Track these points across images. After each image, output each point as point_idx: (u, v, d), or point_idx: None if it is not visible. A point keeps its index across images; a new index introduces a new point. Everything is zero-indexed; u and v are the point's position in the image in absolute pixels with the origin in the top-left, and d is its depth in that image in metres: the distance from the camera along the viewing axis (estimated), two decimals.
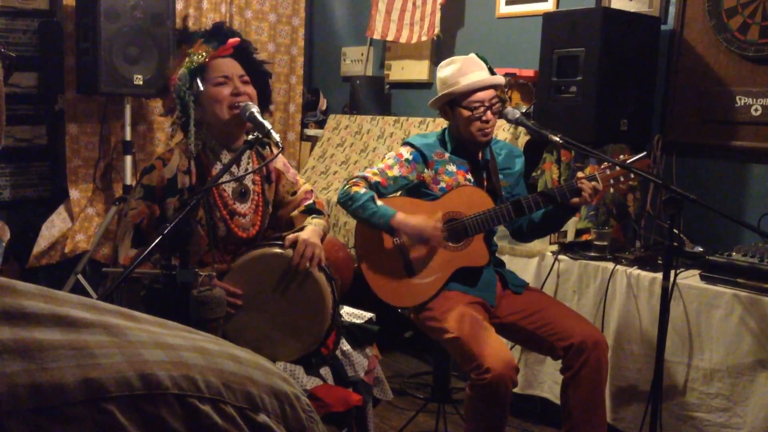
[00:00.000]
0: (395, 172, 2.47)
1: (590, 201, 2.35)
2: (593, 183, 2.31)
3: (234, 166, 2.11)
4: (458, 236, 2.43)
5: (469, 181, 2.50)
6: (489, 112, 2.42)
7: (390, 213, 2.35)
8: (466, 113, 2.41)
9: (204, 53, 2.06)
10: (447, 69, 2.48)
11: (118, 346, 0.49)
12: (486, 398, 2.16)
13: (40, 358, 0.46)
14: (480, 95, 2.41)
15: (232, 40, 2.10)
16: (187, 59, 2.08)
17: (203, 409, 0.50)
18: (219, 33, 2.13)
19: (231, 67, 2.08)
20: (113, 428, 0.46)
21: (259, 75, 2.18)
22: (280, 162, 2.27)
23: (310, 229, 2.11)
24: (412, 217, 2.35)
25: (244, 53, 2.15)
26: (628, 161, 2.29)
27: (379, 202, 2.38)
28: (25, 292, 0.49)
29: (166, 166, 2.06)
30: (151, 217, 2.04)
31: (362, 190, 2.39)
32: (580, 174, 2.35)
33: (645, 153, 2.37)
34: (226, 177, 2.06)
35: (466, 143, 2.51)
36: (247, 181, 2.16)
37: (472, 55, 2.50)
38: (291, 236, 2.07)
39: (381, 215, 2.35)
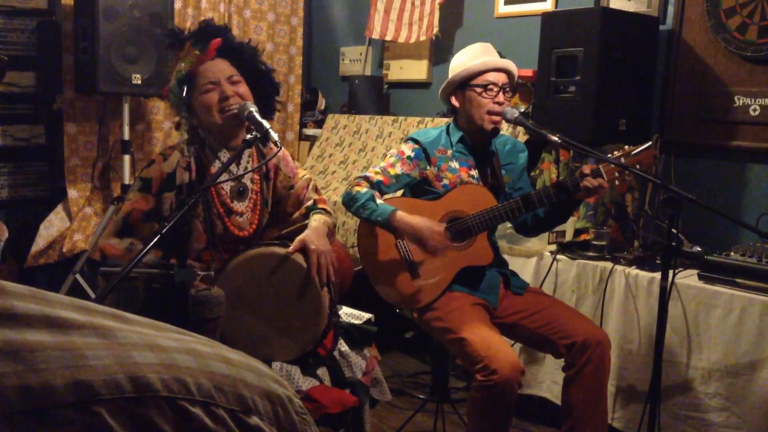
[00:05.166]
0: (397, 170, 2.47)
1: (595, 194, 2.31)
2: (599, 180, 2.27)
3: (233, 164, 2.11)
4: (462, 235, 2.42)
5: (473, 177, 2.49)
6: (501, 95, 2.42)
7: (389, 210, 2.34)
8: (479, 90, 2.41)
9: (192, 60, 2.04)
10: (460, 56, 2.49)
11: (108, 348, 0.49)
12: (491, 400, 2.16)
13: (29, 359, 0.45)
14: (493, 76, 2.42)
15: (213, 42, 2.06)
16: (176, 68, 2.07)
17: (194, 412, 0.50)
18: (206, 33, 2.09)
19: (218, 70, 2.06)
20: (102, 431, 0.46)
21: (251, 71, 2.13)
22: (277, 157, 2.25)
23: (315, 229, 2.06)
24: (413, 216, 2.34)
25: (230, 51, 2.10)
26: (633, 152, 2.27)
27: (379, 201, 2.38)
28: (15, 293, 0.48)
29: (166, 161, 2.07)
30: (143, 208, 2.04)
31: (363, 190, 2.39)
32: (585, 168, 2.30)
33: (650, 143, 2.31)
34: (224, 176, 2.06)
35: (472, 135, 2.50)
36: (246, 180, 2.15)
37: (486, 43, 2.52)
38: (297, 241, 2.02)
39: (380, 213, 2.34)
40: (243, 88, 2.07)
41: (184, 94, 2.04)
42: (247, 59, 2.14)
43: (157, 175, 2.05)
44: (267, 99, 2.17)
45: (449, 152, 2.49)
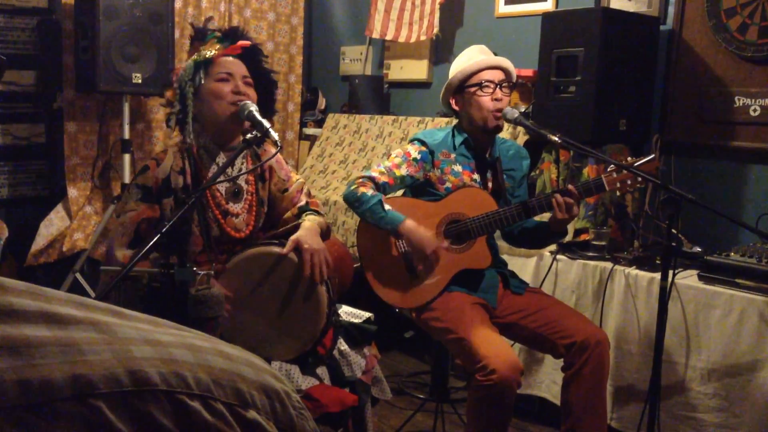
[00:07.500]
0: (403, 171, 2.47)
1: (564, 215, 2.29)
2: (565, 199, 2.27)
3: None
4: (461, 238, 2.42)
5: (475, 181, 2.50)
6: (499, 91, 2.43)
7: (398, 220, 2.35)
8: (473, 90, 2.42)
9: (213, 50, 2.09)
10: (457, 60, 2.52)
11: (106, 343, 0.49)
12: (490, 399, 2.16)
13: (28, 354, 0.45)
14: (489, 74, 2.43)
15: (241, 42, 2.12)
16: (196, 53, 2.11)
17: (192, 406, 0.50)
18: (233, 35, 2.15)
19: (236, 66, 2.10)
20: (102, 424, 0.46)
21: (264, 82, 2.19)
22: (272, 159, 2.26)
23: (308, 229, 2.08)
24: (421, 228, 2.35)
25: (252, 57, 2.16)
26: (636, 164, 2.25)
27: (387, 207, 2.38)
28: (13, 289, 0.48)
29: (159, 167, 2.07)
30: (151, 218, 2.03)
31: (370, 192, 2.38)
32: (585, 172, 2.31)
33: (653, 156, 2.31)
34: (221, 177, 2.06)
35: (475, 136, 2.50)
36: (241, 181, 2.16)
37: (482, 45, 2.55)
38: (291, 240, 2.03)
39: (389, 221, 2.35)
40: (252, 92, 2.10)
41: (196, 77, 2.06)
42: (263, 72, 2.20)
43: (153, 183, 2.05)
44: (265, 114, 2.18)
45: (452, 155, 2.50)
